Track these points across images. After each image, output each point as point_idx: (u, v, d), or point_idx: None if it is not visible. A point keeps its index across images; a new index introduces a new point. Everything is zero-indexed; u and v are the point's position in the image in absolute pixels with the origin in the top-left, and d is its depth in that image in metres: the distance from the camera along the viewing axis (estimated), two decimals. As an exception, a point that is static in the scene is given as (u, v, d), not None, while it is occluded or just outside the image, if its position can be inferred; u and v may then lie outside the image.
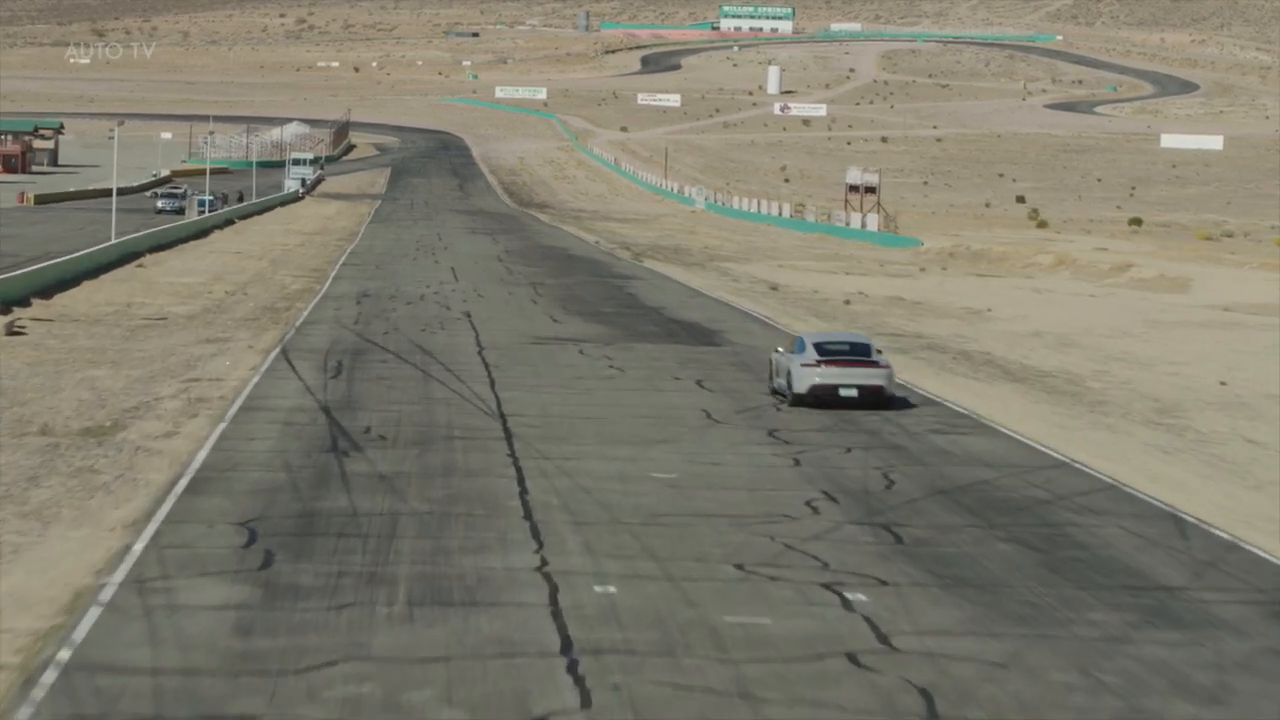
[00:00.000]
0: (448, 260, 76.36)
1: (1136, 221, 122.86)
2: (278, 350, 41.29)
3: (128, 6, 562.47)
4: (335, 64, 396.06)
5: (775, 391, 35.91)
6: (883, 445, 30.15)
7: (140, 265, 66.38)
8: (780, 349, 36.38)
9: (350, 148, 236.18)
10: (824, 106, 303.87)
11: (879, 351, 36.00)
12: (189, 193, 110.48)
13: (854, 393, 34.14)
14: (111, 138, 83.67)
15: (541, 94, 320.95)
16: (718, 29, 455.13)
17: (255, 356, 40.06)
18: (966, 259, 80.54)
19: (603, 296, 61.04)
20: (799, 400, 34.25)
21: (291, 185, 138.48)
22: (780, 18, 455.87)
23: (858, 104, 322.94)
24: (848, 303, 60.41)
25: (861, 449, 29.36)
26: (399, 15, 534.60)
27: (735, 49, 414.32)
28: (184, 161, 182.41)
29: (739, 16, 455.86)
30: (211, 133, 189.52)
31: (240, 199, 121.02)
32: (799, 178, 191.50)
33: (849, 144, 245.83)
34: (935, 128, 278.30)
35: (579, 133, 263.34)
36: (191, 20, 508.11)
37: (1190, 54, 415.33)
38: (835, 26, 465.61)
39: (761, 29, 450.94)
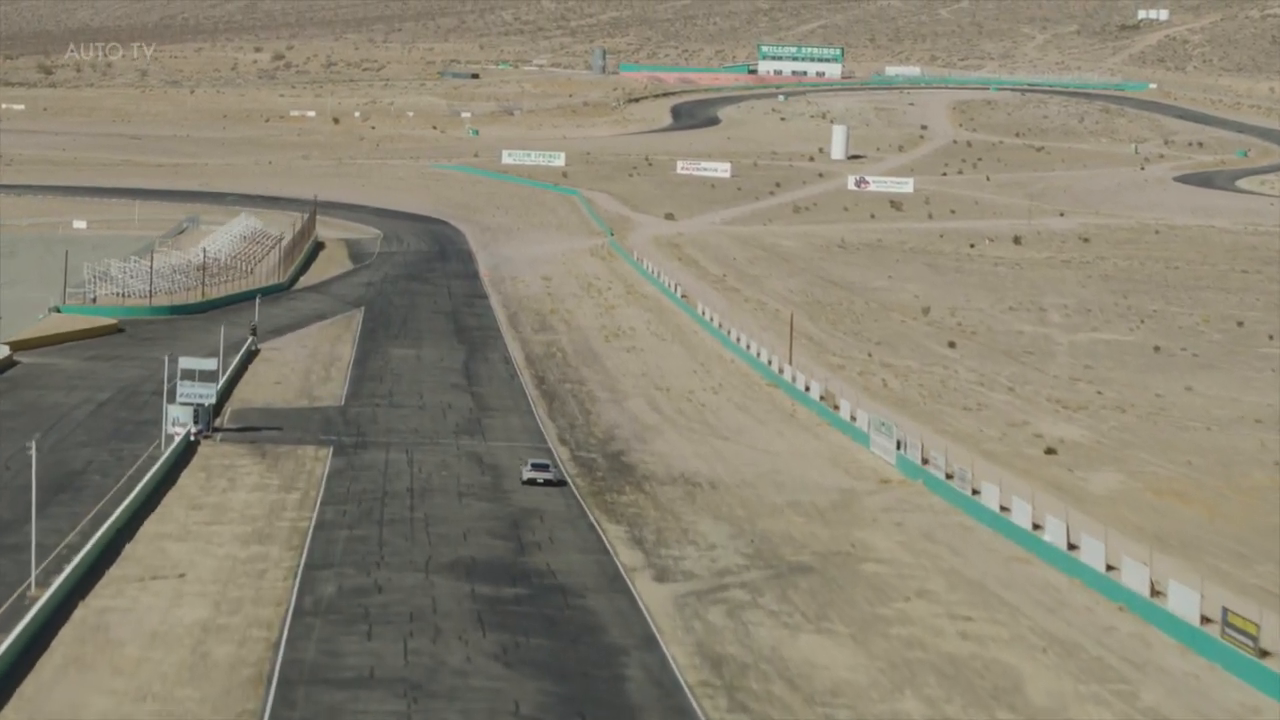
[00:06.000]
0: None
1: None
2: None
3: (90, 35, 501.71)
4: (311, 113, 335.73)
5: (522, 481, 72.10)
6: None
7: None
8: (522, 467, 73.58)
9: (317, 249, 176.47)
10: (910, 180, 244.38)
11: (555, 465, 75.17)
12: None
13: (541, 480, 71.56)
14: None
15: (558, 160, 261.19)
16: (755, 72, 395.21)
17: None
18: None
19: None
20: (525, 483, 71.44)
21: (180, 417, 78.32)
22: (827, 60, 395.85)
23: (944, 173, 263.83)
24: None
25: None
26: (388, 50, 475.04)
27: (781, 98, 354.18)
28: (54, 310, 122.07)
29: (779, 59, 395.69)
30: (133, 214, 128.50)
31: None
32: (955, 328, 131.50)
33: (972, 246, 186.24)
34: (1062, 214, 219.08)
35: (614, 220, 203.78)
36: (154, 55, 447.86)
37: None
38: (890, 70, 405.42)
39: (805, 73, 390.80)
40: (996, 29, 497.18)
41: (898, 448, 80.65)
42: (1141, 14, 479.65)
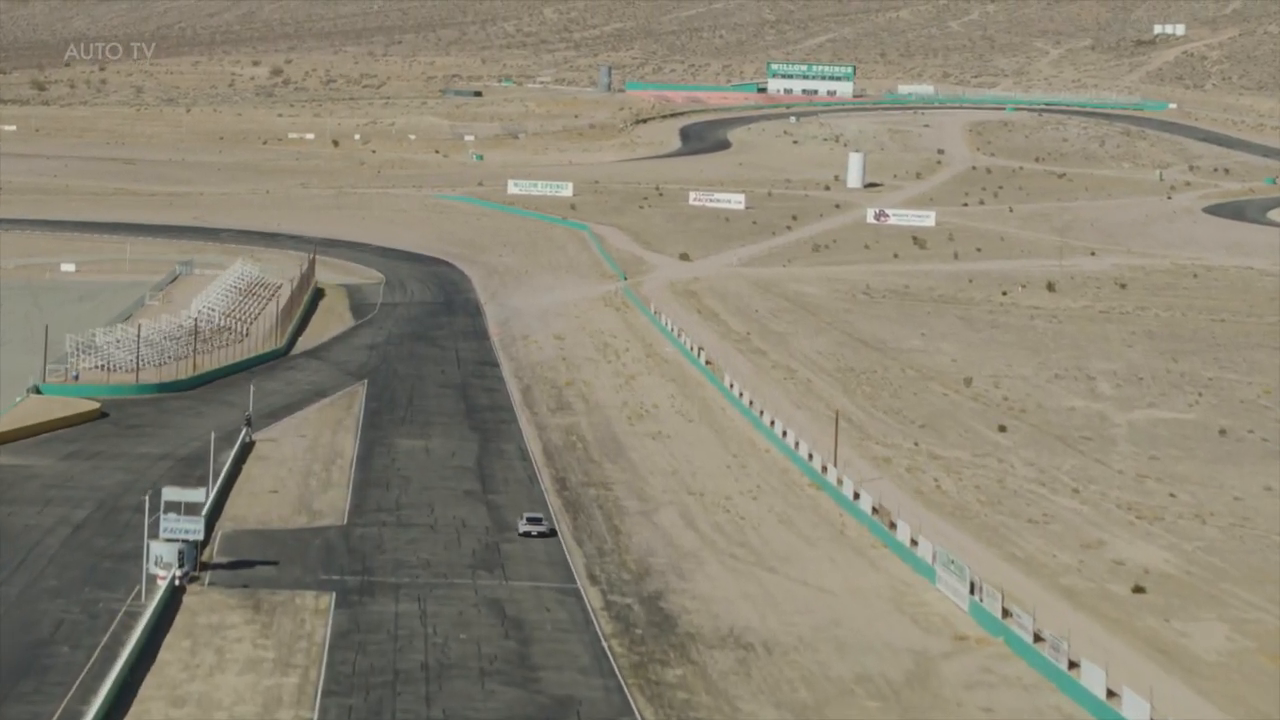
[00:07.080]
0: None
1: None
2: None
3: (91, 39, 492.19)
4: (310, 135, 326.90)
5: (519, 533, 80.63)
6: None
7: None
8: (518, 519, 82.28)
9: (316, 298, 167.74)
10: (931, 213, 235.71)
11: (547, 517, 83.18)
12: None
13: (534, 531, 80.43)
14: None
15: (566, 190, 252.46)
16: (764, 90, 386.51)
17: None
18: None
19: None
20: (521, 535, 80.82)
21: (164, 556, 69.62)
22: (838, 78, 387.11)
23: (965, 204, 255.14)
24: None
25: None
26: (389, 65, 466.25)
27: (793, 119, 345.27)
28: (33, 390, 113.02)
29: (790, 77, 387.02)
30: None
31: None
32: (1002, 403, 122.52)
33: (1005, 294, 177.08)
34: (1094, 253, 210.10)
35: (626, 261, 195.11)
36: (150, 70, 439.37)
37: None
38: (903, 89, 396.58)
39: (817, 91, 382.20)
40: (1008, 43, 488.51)
41: (971, 592, 71.65)
42: (1157, 28, 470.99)
